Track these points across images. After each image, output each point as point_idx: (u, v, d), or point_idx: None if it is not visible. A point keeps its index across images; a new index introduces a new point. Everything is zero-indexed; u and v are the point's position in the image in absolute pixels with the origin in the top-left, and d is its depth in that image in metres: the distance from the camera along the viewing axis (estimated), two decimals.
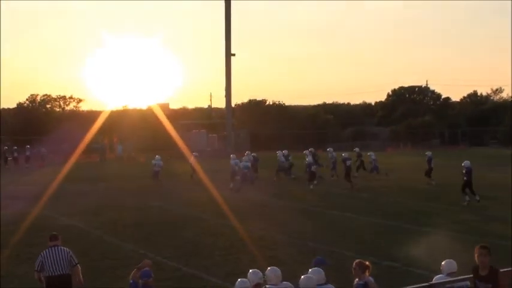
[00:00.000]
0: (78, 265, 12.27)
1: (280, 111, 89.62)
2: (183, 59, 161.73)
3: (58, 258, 12.05)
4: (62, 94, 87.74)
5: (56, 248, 12.22)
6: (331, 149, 40.79)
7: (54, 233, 12.88)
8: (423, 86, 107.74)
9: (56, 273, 11.94)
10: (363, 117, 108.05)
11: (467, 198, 26.75)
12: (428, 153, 35.75)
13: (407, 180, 37.20)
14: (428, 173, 34.88)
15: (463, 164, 27.29)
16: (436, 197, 29.57)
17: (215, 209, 26.33)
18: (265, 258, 16.98)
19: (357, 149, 42.02)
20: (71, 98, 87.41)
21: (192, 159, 39.29)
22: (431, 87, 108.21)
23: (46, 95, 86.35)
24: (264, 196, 30.56)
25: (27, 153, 55.19)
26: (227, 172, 35.87)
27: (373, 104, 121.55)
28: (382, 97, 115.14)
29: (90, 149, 61.60)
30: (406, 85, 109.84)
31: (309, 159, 35.25)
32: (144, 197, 31.18)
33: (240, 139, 72.39)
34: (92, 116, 77.44)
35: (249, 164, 35.31)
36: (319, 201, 28.54)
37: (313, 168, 34.54)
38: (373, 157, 39.86)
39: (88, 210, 26.93)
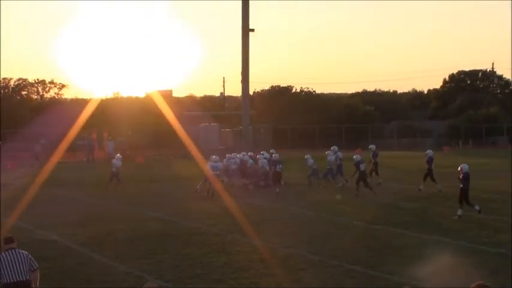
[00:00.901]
0: (38, 270, 12.67)
1: (309, 100, 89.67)
2: (191, 36, 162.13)
3: (16, 263, 12.43)
4: (40, 78, 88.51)
5: (13, 251, 12.61)
6: (336, 148, 39.86)
7: (9, 235, 13.24)
8: (488, 70, 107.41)
9: (14, 280, 12.31)
10: (412, 109, 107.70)
11: (476, 208, 27.03)
12: (429, 151, 36.54)
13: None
14: (426, 176, 35.70)
15: (459, 168, 27.40)
16: (496, 208, 29.42)
17: (229, 221, 26.36)
18: (291, 282, 16.96)
19: (372, 147, 40.82)
20: (51, 83, 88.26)
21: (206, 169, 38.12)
22: (498, 72, 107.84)
23: (21, 79, 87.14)
24: (291, 206, 30.51)
25: None
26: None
27: (425, 92, 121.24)
28: (437, 84, 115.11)
29: (75, 146, 61.89)
30: (467, 69, 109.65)
31: (330, 158, 35.68)
32: (140, 206, 31.26)
33: (260, 135, 72.47)
34: (77, 105, 77.95)
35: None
36: (357, 213, 28.45)
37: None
38: (339, 156, 38.92)
39: (72, 222, 27.02)
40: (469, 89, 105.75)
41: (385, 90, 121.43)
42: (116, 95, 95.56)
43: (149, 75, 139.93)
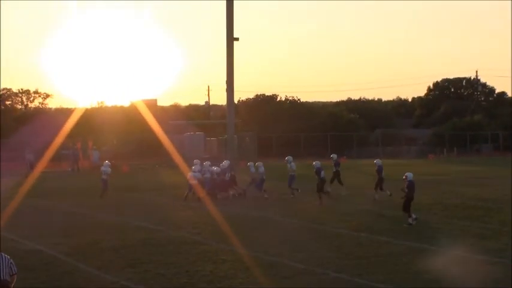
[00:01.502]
0: (15, 275, 12.91)
1: (294, 109, 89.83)
2: (175, 45, 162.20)
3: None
4: (25, 88, 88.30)
5: None
6: (290, 158, 39.14)
7: None
8: (472, 78, 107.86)
9: None
10: (397, 117, 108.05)
11: (413, 216, 27.13)
12: (378, 161, 37.22)
13: (451, 194, 37.15)
14: (377, 185, 35.97)
15: (404, 176, 27.65)
16: (481, 215, 29.58)
17: (214, 230, 26.36)
18: None
19: (334, 156, 40.34)
20: (36, 92, 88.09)
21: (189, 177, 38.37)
22: (482, 80, 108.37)
23: (6, 88, 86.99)
24: (275, 215, 30.56)
25: None
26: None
27: (409, 100, 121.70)
28: (422, 92, 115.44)
29: (59, 156, 61.72)
30: (451, 77, 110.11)
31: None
32: (126, 215, 31.21)
33: (245, 144, 72.46)
34: (62, 114, 77.79)
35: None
36: (342, 221, 28.50)
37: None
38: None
39: (56, 232, 26.93)
40: (453, 96, 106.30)
41: (370, 98, 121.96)
42: (100, 105, 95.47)
43: (134, 84, 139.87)
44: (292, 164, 37.79)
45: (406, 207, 27.28)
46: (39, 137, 63.81)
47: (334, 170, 38.89)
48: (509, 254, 21.09)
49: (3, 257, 12.96)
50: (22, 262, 20.39)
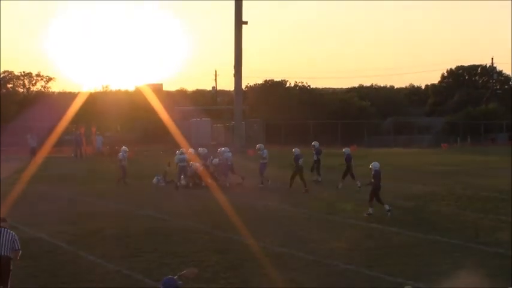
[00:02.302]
0: (19, 251, 14.72)
1: (303, 95, 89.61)
2: (182, 28, 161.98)
3: (2, 240, 14.47)
4: (26, 71, 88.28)
5: (1, 229, 14.67)
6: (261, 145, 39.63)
7: (3, 217, 15.29)
8: (487, 65, 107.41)
9: None
10: (410, 105, 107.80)
11: (386, 207, 27.47)
12: (346, 149, 37.66)
13: (465, 184, 37.05)
14: (345, 174, 36.40)
15: (370, 166, 28.07)
16: (495, 206, 29.51)
17: (220, 220, 26.34)
18: (284, 282, 16.97)
19: (316, 144, 40.03)
20: (38, 75, 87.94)
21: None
22: (498, 67, 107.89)
23: (7, 71, 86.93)
24: (282, 205, 30.53)
25: None
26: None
27: (423, 87, 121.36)
28: (435, 79, 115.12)
29: (62, 141, 61.75)
30: (465, 64, 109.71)
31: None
32: (130, 203, 31.23)
33: (252, 130, 72.44)
34: (65, 98, 77.77)
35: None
36: (352, 212, 28.47)
37: (301, 162, 35.56)
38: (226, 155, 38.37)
39: (59, 219, 26.98)
40: (467, 84, 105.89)
41: (382, 85, 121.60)
42: (105, 89, 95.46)
43: (139, 68, 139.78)
44: (265, 151, 37.96)
45: (372, 196, 27.64)
46: (42, 121, 63.85)
47: (315, 159, 38.99)
48: None
49: (7, 233, 14.63)
50: (23, 250, 20.34)
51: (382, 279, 17.41)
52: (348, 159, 36.69)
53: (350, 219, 26.46)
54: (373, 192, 27.61)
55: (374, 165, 27.95)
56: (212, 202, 30.76)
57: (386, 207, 27.40)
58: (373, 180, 27.68)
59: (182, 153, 37.46)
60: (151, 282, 17.30)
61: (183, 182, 36.91)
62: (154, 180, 38.12)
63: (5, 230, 14.72)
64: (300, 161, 35.41)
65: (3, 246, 14.46)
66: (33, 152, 54.61)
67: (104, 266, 19.15)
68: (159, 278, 17.65)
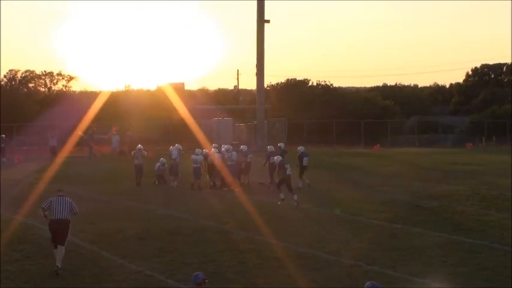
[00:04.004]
0: (76, 213, 19.29)
1: (326, 94, 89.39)
2: (204, 27, 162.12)
3: (61, 206, 18.82)
4: (48, 70, 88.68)
5: (60, 197, 19.07)
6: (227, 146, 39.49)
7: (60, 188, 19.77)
8: None
9: (58, 218, 18.68)
10: (434, 104, 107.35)
11: (281, 196, 29.89)
12: (301, 148, 37.39)
13: (490, 184, 36.89)
14: (301, 173, 36.15)
15: (274, 158, 31.25)
16: None
17: (242, 219, 26.40)
18: (307, 281, 17.00)
19: (281, 144, 39.21)
20: (59, 75, 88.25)
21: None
22: None
23: (28, 71, 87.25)
24: (306, 204, 30.50)
25: (2, 144, 55.42)
26: (256, 172, 37.07)
27: (447, 86, 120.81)
28: (460, 78, 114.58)
29: (83, 140, 61.87)
30: (491, 62, 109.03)
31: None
32: (151, 203, 31.29)
33: (274, 130, 72.38)
34: (86, 97, 78.02)
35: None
36: (376, 212, 28.37)
37: (305, 161, 36.09)
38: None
39: (80, 219, 27.00)
40: (493, 83, 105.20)
41: (406, 84, 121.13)
42: (127, 88, 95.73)
43: (161, 67, 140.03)
44: (233, 153, 37.26)
45: (278, 185, 30.72)
46: (63, 121, 64.06)
47: (305, 164, 37.09)
48: None
49: (66, 200, 19.02)
50: (45, 249, 20.60)
51: (406, 280, 17.41)
52: (300, 158, 36.34)
53: (373, 220, 26.40)
54: (279, 182, 30.61)
55: (276, 158, 31.35)
56: (234, 201, 30.81)
57: (281, 196, 30.12)
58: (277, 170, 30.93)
59: (197, 154, 37.24)
60: (173, 282, 17.38)
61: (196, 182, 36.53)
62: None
63: (63, 197, 19.11)
64: (305, 160, 35.70)
65: (64, 211, 18.80)
66: (54, 151, 54.79)
67: (126, 266, 19.26)
68: (180, 278, 17.79)
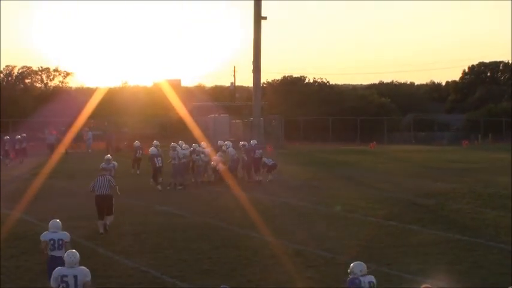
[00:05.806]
0: (116, 187, 23.41)
1: (322, 91, 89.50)
2: (200, 23, 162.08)
3: (103, 183, 23.18)
4: (44, 66, 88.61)
5: (103, 176, 23.68)
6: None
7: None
8: (510, 61, 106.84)
9: (101, 193, 23.01)
10: (430, 101, 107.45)
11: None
12: (253, 141, 38.19)
13: (486, 182, 36.90)
14: (269, 168, 36.66)
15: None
16: None
17: (238, 216, 26.40)
18: (303, 278, 16.98)
19: (222, 142, 38.71)
20: (56, 70, 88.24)
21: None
22: None
23: (25, 66, 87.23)
24: (301, 202, 30.49)
25: (24, 144, 55.00)
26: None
27: (443, 84, 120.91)
28: (456, 76, 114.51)
29: (79, 136, 61.86)
30: (487, 60, 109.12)
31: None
32: (147, 199, 31.27)
33: (271, 127, 72.35)
34: (83, 94, 78.01)
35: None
36: (372, 209, 28.38)
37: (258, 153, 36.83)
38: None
39: (76, 215, 27.02)
40: (489, 81, 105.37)
41: (402, 81, 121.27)
42: (124, 84, 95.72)
43: (157, 63, 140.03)
44: (181, 151, 35.93)
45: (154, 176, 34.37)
46: (60, 116, 64.00)
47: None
48: None
49: (106, 178, 23.49)
50: (40, 246, 20.53)
51: (401, 278, 17.40)
52: (252, 151, 36.78)
53: (369, 217, 26.40)
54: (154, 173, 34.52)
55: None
56: (230, 198, 30.80)
57: (159, 187, 33.38)
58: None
59: (184, 148, 36.26)
60: (169, 279, 17.36)
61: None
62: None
63: (104, 176, 23.73)
64: (257, 153, 36.46)
65: (106, 187, 23.09)
66: (51, 147, 54.72)
67: (122, 263, 19.24)
68: (176, 274, 17.77)
